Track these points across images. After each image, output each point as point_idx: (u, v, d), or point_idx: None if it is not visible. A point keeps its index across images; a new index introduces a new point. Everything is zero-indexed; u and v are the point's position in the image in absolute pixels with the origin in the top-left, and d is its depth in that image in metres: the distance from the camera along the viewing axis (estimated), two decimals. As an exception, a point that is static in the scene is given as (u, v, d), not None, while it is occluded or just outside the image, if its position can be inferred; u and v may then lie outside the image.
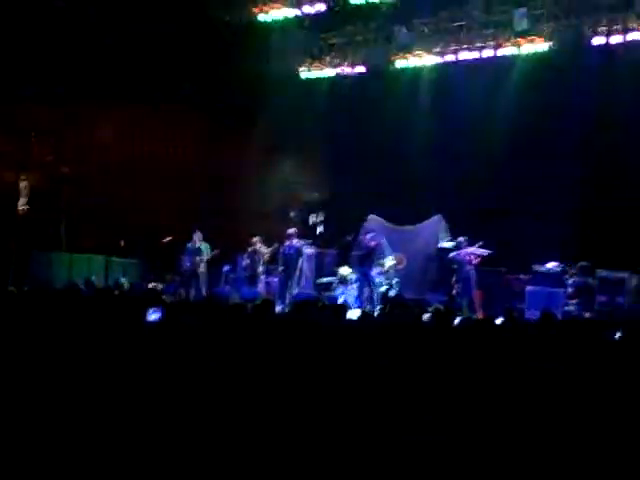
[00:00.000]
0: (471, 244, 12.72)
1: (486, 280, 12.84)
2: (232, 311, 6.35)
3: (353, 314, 7.38)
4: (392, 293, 12.99)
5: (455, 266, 12.70)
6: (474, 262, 12.56)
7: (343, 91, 15.89)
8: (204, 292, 13.19)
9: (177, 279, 13.79)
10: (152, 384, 3.68)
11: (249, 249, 13.72)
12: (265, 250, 13.56)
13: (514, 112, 13.86)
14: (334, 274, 14.34)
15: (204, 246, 13.57)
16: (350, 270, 13.77)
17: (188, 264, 13.43)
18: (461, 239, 12.75)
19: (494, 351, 5.04)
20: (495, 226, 13.27)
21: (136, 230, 14.33)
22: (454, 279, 12.66)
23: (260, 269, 13.68)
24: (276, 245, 13.38)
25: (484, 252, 12.51)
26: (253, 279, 13.60)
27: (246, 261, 13.75)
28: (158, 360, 4.05)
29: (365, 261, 12.84)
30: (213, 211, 15.16)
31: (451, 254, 12.85)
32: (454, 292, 12.58)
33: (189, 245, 13.55)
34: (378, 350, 4.89)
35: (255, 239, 13.66)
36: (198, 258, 13.47)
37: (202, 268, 13.48)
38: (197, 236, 13.52)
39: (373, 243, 12.82)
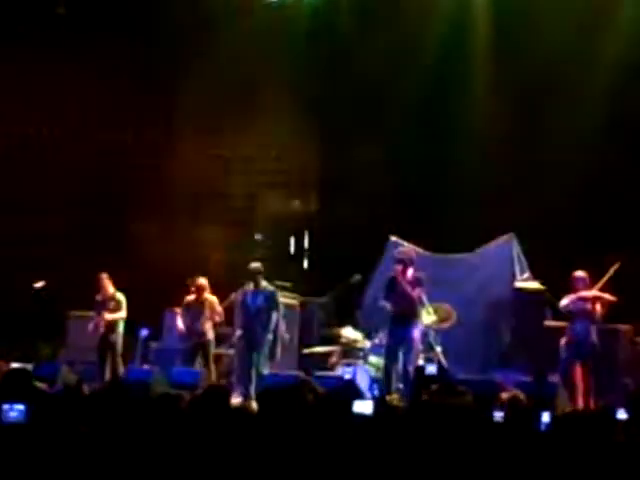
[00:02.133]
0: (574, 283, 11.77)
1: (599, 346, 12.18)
2: (154, 407, 6.26)
3: (364, 408, 6.99)
4: (431, 370, 12.13)
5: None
6: (597, 313, 11.64)
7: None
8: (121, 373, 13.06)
9: (63, 353, 13.42)
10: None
11: (188, 299, 13.12)
12: (218, 306, 13.14)
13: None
14: (332, 340, 13.67)
15: (119, 297, 13.30)
16: (359, 333, 13.25)
17: (93, 327, 13.12)
18: (580, 274, 11.68)
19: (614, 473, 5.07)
20: (611, 253, 12.66)
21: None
22: (564, 343, 11.76)
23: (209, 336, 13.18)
24: (234, 294, 12.91)
25: (609, 297, 11.66)
26: (197, 351, 12.94)
27: (186, 320, 13.08)
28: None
29: (404, 318, 11.85)
30: (117, 227, 15.24)
31: (564, 303, 11.85)
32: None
33: (99, 296, 13.29)
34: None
35: (201, 282, 13.04)
36: (111, 318, 13.17)
37: (118, 336, 13.20)
38: (107, 282, 13.30)
39: (417, 290, 11.87)
